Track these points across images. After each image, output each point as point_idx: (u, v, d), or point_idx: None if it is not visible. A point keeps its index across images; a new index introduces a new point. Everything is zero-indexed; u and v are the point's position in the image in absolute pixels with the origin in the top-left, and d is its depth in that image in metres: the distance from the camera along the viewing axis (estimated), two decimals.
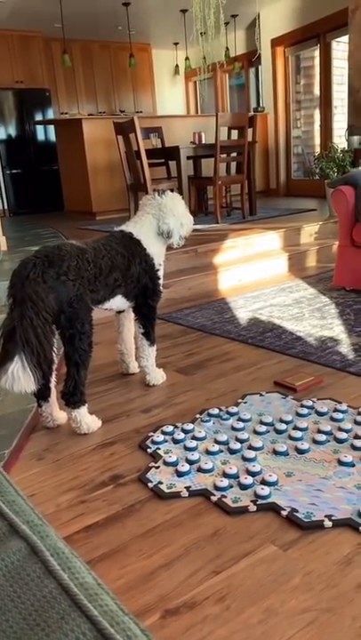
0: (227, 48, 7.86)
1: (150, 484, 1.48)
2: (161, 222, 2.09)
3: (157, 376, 2.19)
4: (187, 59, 8.52)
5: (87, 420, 1.83)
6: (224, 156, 5.11)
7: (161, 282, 2.15)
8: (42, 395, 1.83)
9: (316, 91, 7.15)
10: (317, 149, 6.99)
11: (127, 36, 7.83)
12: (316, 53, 6.98)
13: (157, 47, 9.21)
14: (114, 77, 8.83)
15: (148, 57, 9.20)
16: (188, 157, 5.18)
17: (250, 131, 5.29)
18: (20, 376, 1.53)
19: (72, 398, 1.78)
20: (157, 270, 2.11)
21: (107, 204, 6.32)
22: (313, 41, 6.90)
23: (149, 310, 2.12)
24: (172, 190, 2.24)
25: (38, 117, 7.71)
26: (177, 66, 9.49)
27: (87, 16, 7.18)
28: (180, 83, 10.06)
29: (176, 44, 9.05)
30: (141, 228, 2.09)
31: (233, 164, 5.68)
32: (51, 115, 7.88)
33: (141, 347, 2.14)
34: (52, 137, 7.50)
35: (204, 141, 5.53)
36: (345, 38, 5.84)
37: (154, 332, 2.16)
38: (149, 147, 5.44)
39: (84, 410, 1.82)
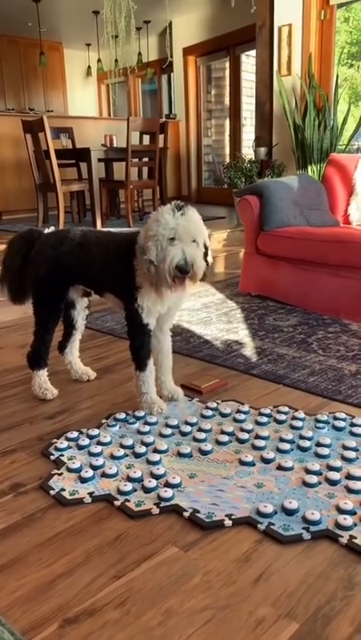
0: (139, 53, 7.89)
1: (52, 492, 1.45)
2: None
3: (147, 405, 1.89)
4: (99, 60, 8.45)
5: None
6: (135, 160, 5.13)
7: (143, 316, 1.79)
8: None
9: (227, 101, 7.36)
10: (228, 159, 7.19)
11: (37, 33, 7.64)
12: (227, 65, 7.19)
13: (69, 47, 9.07)
14: (24, 74, 8.57)
15: (59, 56, 9.03)
16: (100, 160, 5.15)
17: (161, 137, 5.35)
18: None
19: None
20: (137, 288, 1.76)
21: (14, 203, 6.12)
22: (223, 52, 7.10)
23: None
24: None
25: None
26: (89, 67, 9.40)
27: None
28: (93, 84, 9.96)
29: (88, 44, 8.95)
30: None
31: (145, 169, 5.71)
32: None
33: None
34: None
35: (115, 144, 5.51)
36: (253, 52, 6.05)
37: (135, 355, 1.86)
38: (59, 147, 5.35)
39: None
